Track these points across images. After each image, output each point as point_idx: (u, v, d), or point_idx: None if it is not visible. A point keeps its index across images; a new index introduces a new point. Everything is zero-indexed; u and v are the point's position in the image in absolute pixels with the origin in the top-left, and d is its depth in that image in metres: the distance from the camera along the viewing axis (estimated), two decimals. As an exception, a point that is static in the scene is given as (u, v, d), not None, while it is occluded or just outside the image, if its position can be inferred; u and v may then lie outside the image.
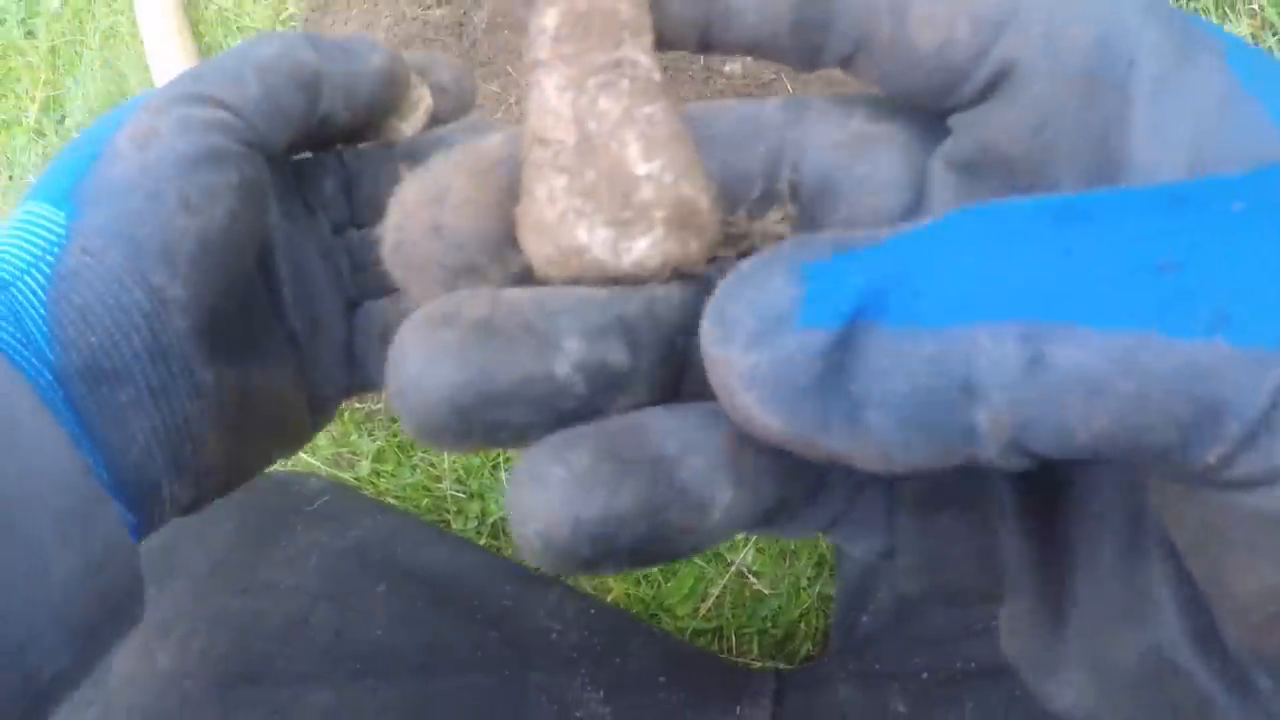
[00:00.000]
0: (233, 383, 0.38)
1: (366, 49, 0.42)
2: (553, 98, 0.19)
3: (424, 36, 0.84)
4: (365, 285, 0.47)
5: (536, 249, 0.19)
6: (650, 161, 0.19)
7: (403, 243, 0.20)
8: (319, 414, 0.45)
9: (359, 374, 0.46)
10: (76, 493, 0.33)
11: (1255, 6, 0.96)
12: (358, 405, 0.94)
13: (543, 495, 0.18)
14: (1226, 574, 0.17)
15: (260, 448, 0.42)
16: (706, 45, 0.21)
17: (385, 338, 0.46)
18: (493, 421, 0.18)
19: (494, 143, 0.21)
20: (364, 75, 0.42)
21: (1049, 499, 0.21)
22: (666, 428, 0.19)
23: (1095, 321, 0.15)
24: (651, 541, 0.18)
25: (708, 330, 0.17)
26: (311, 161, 0.45)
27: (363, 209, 0.47)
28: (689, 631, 0.86)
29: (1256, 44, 0.91)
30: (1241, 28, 0.95)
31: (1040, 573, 0.21)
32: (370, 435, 0.92)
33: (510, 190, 0.20)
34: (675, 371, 0.21)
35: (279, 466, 0.78)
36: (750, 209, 0.21)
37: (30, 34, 1.23)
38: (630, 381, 0.20)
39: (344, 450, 0.93)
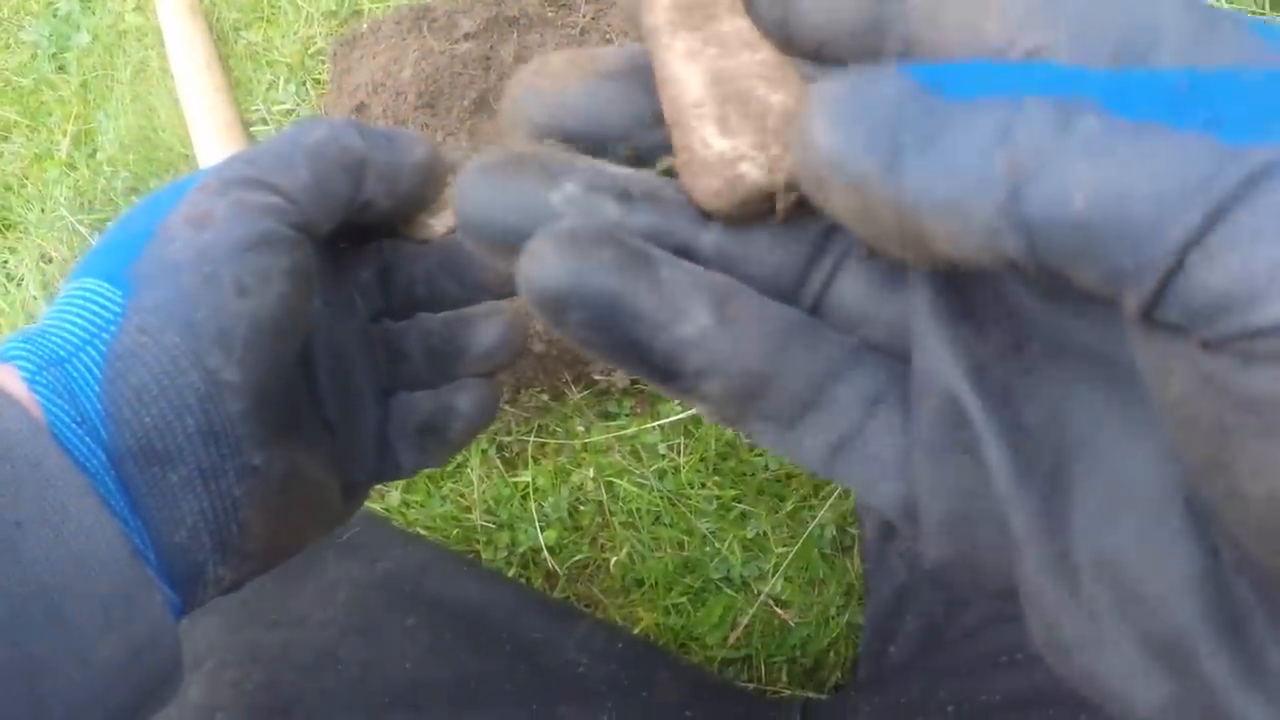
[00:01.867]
0: (279, 466, 0.38)
1: (410, 140, 0.43)
2: (682, 68, 0.23)
3: (451, 70, 0.84)
4: (400, 376, 0.47)
5: (703, 187, 0.23)
6: (775, 93, 0.23)
7: (509, 102, 0.26)
8: (350, 499, 0.45)
9: (390, 462, 0.46)
10: (123, 578, 0.33)
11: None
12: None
13: (540, 246, 0.22)
14: (1235, 474, 0.18)
15: (298, 530, 0.42)
16: (788, 44, 0.24)
17: (421, 429, 0.47)
18: (501, 228, 0.24)
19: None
20: (405, 166, 0.42)
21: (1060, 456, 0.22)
22: (660, 251, 0.23)
23: (1119, 109, 0.17)
24: (614, 313, 0.22)
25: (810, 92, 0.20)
26: (351, 251, 0.46)
27: (399, 301, 0.47)
28: (718, 660, 0.86)
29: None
30: None
31: (1043, 515, 0.22)
32: (399, 466, 0.92)
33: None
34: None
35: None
36: None
37: (61, 68, 1.24)
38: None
39: (373, 480, 0.93)
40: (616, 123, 0.25)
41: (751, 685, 0.85)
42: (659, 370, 0.23)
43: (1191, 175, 0.16)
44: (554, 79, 0.25)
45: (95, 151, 1.18)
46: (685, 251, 0.24)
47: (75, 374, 0.34)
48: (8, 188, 1.20)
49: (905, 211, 0.19)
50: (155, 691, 0.35)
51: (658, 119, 0.25)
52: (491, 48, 0.86)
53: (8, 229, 1.18)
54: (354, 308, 0.46)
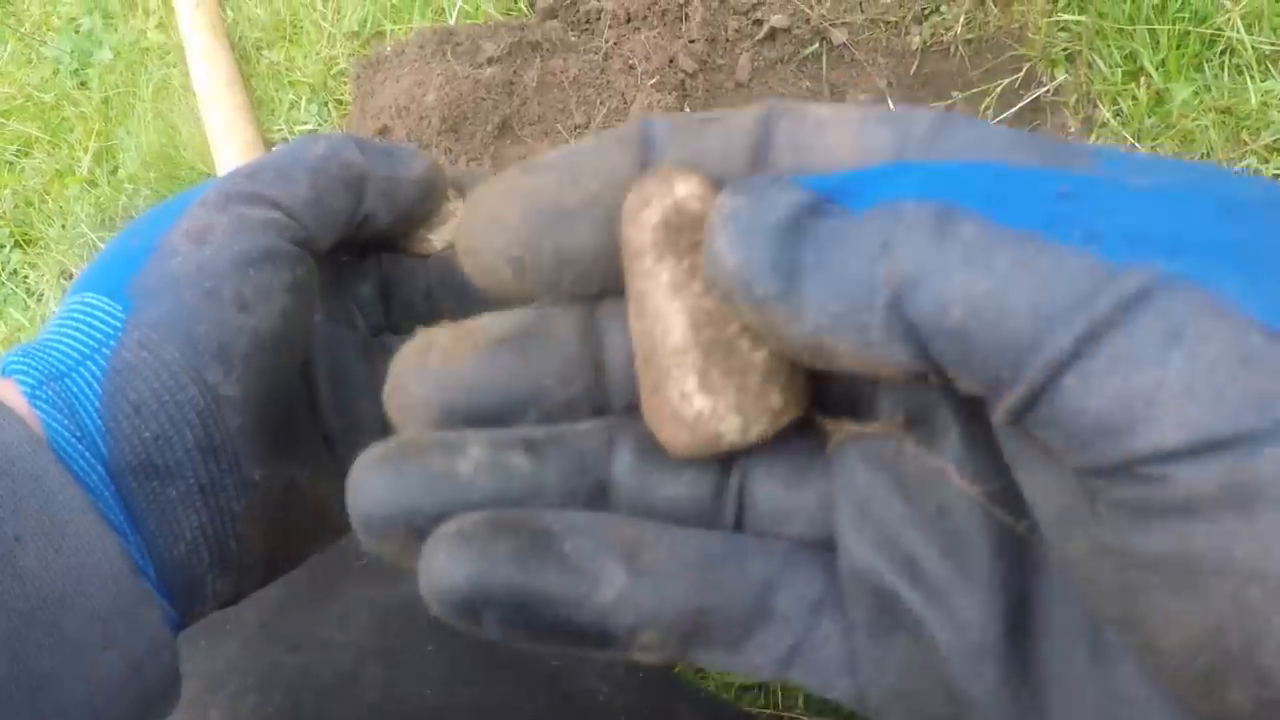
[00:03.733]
0: (278, 480, 0.38)
1: (409, 155, 0.43)
2: (665, 303, 0.21)
3: (475, 95, 0.85)
4: None
5: (674, 438, 0.22)
6: (759, 351, 0.21)
7: (397, 386, 0.24)
8: None
9: None
10: (122, 593, 0.33)
11: None
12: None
13: (434, 550, 0.21)
14: (1148, 630, 0.18)
15: (299, 544, 0.42)
16: None
17: None
18: (410, 516, 0.22)
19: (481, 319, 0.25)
20: (405, 181, 0.42)
21: (1017, 619, 0.21)
22: (560, 516, 0.22)
23: (998, 216, 0.17)
24: (528, 605, 0.21)
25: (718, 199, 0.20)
26: (351, 266, 0.46)
27: (399, 316, 0.47)
28: (735, 687, 0.86)
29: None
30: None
31: (1013, 695, 0.21)
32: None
33: (477, 340, 0.24)
34: (596, 495, 0.23)
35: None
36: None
37: (83, 84, 1.25)
38: (538, 489, 0.23)
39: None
40: (520, 391, 0.23)
41: (769, 712, 0.85)
42: (591, 641, 0.22)
43: (1069, 294, 0.17)
44: (443, 355, 0.24)
45: (116, 168, 1.18)
46: (601, 486, 0.23)
47: (75, 388, 0.34)
48: (29, 203, 1.20)
49: (808, 331, 0.19)
50: (153, 707, 0.35)
51: (561, 380, 0.23)
52: (515, 72, 0.86)
53: (29, 244, 1.19)
54: (354, 322, 0.46)
